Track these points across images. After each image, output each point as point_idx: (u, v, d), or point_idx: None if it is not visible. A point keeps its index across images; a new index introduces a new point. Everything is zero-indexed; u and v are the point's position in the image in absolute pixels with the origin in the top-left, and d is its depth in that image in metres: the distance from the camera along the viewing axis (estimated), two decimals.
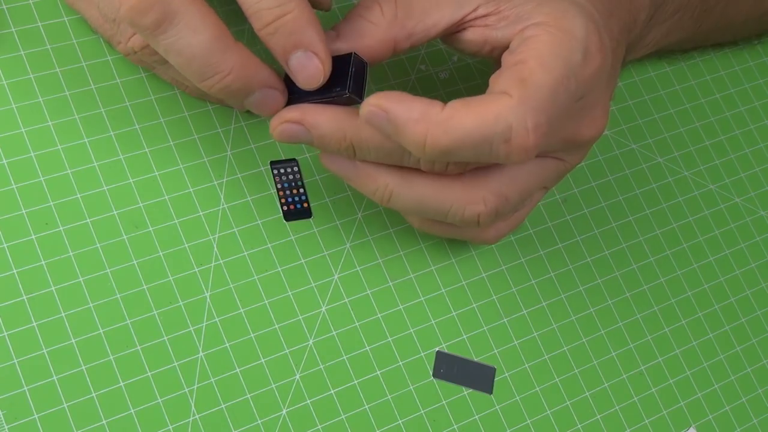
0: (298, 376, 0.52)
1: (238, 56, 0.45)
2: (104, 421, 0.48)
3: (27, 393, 0.48)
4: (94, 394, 0.48)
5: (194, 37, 0.44)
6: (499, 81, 0.45)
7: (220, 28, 0.44)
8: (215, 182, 0.54)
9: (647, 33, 0.58)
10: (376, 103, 0.45)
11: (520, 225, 0.54)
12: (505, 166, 0.48)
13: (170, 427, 0.49)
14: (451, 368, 0.54)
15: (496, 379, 0.55)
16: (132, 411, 0.49)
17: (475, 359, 0.55)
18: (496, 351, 0.56)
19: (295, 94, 0.48)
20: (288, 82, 0.48)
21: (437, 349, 0.55)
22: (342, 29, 0.48)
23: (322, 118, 0.46)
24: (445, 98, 0.60)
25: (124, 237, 0.52)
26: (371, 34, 0.48)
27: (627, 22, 0.53)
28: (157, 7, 0.42)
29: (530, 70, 0.45)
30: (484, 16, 0.49)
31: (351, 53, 0.47)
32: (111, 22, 0.50)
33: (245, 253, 0.53)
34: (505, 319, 0.57)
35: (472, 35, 0.49)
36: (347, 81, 0.46)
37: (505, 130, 0.43)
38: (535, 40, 0.46)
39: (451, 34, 0.50)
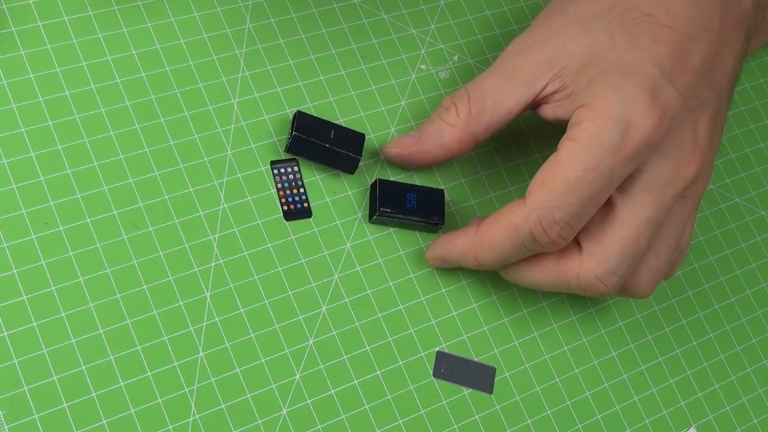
0: (298, 376, 0.52)
1: None
2: (104, 421, 0.48)
3: (27, 393, 0.48)
4: (94, 394, 0.48)
5: None
6: (534, 177, 0.50)
7: None
8: (215, 182, 0.54)
9: (762, 17, 0.58)
10: (432, 256, 0.55)
11: (675, 267, 0.54)
12: (604, 227, 0.51)
13: (170, 427, 0.49)
14: (452, 368, 0.54)
15: (496, 379, 0.55)
16: (132, 411, 0.49)
17: (476, 359, 0.55)
18: (496, 351, 0.56)
19: (396, 212, 0.55)
20: (395, 203, 0.55)
21: (437, 349, 0.55)
22: (424, 131, 0.55)
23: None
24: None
25: (124, 237, 0.52)
26: (450, 135, 0.54)
27: (728, 25, 0.53)
28: None
29: (551, 170, 0.49)
30: (553, 93, 0.52)
31: (442, 190, 0.56)
32: None
33: (245, 253, 0.53)
34: (505, 319, 0.56)
35: (543, 112, 0.53)
36: (443, 214, 0.56)
37: (528, 234, 0.49)
38: (575, 129, 0.50)
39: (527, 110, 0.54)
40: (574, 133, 0.50)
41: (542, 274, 0.52)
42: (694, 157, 0.51)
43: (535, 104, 0.53)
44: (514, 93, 0.53)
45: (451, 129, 0.54)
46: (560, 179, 0.49)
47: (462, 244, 0.53)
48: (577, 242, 0.51)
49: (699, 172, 0.51)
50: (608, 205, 0.50)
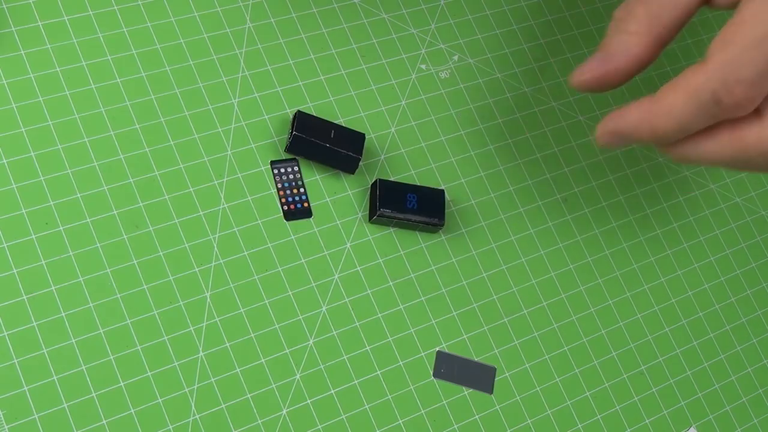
0: (298, 376, 0.52)
1: None
2: (104, 421, 0.48)
3: (27, 393, 0.48)
4: (94, 394, 0.48)
5: None
6: (714, 40, 0.48)
7: None
8: (215, 182, 0.54)
9: None
10: (603, 132, 0.50)
11: None
12: None
13: (170, 427, 0.49)
14: (452, 368, 0.54)
15: (496, 379, 0.55)
16: (132, 411, 0.49)
17: (476, 359, 0.55)
18: (496, 351, 0.56)
19: (396, 212, 0.55)
20: (395, 203, 0.56)
21: (437, 349, 0.55)
22: (608, 49, 0.51)
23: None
24: (446, 98, 0.60)
25: (124, 237, 0.52)
26: (636, 43, 0.51)
27: None
28: None
29: (733, 30, 0.47)
30: None
31: (442, 190, 0.56)
32: None
33: (245, 253, 0.53)
34: (505, 319, 0.56)
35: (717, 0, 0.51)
36: (443, 214, 0.56)
37: (712, 96, 0.46)
38: None
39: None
40: None
41: (717, 144, 0.49)
42: None
43: None
44: None
45: (635, 37, 0.51)
46: (744, 37, 0.46)
47: (637, 114, 0.48)
48: (755, 109, 0.49)
49: None
50: None
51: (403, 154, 0.58)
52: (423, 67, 0.61)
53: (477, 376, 0.55)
